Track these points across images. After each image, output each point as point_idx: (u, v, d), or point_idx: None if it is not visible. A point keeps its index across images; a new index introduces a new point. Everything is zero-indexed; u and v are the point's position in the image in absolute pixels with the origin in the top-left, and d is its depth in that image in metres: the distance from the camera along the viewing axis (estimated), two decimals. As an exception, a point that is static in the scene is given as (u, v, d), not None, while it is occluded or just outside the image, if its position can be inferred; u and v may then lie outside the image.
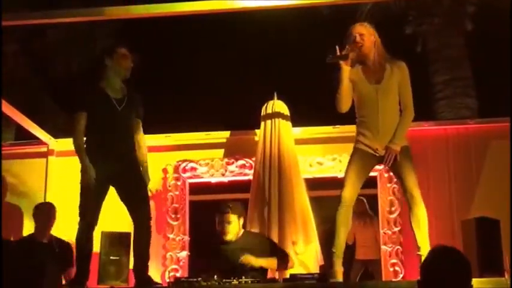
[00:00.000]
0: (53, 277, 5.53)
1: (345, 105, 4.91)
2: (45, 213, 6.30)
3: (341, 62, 4.85)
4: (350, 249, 7.55)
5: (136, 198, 5.15)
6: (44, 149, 7.90)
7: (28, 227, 7.24)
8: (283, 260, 5.62)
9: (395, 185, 7.12)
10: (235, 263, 5.24)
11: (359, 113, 4.98)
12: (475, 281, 2.85)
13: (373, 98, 4.86)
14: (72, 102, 5.25)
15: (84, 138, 5.16)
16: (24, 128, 7.61)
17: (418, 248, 4.85)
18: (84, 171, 5.05)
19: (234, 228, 5.56)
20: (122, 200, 5.24)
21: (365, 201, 7.93)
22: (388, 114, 4.89)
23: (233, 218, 5.56)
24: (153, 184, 7.49)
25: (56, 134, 8.14)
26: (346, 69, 4.85)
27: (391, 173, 5.09)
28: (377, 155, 4.89)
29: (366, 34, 4.88)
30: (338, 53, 4.85)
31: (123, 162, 5.13)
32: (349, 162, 4.96)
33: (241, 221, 5.69)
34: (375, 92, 4.85)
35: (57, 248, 6.17)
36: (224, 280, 4.68)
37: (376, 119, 4.86)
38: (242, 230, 5.70)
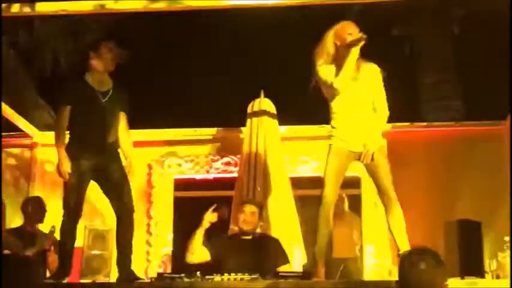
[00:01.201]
0: (37, 273, 5.52)
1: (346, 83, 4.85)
2: (33, 207, 6.27)
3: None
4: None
5: (118, 192, 5.14)
6: (28, 141, 7.87)
7: (11, 219, 7.21)
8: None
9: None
10: (252, 259, 5.21)
11: (333, 108, 4.94)
12: (456, 282, 2.88)
13: (349, 93, 4.85)
14: (56, 94, 5.24)
15: (68, 132, 5.15)
16: (9, 120, 7.57)
17: (398, 249, 4.85)
18: (60, 164, 5.03)
19: (254, 219, 5.51)
20: (104, 193, 5.22)
21: (345, 199, 7.92)
22: (364, 111, 4.89)
23: (255, 209, 5.54)
24: (138, 179, 7.48)
25: (41, 126, 8.12)
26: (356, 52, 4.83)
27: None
28: (353, 151, 4.87)
29: (353, 34, 4.88)
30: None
31: (105, 155, 5.11)
32: (328, 161, 4.93)
33: (261, 218, 5.69)
34: (350, 89, 4.85)
35: (42, 241, 6.13)
36: (207, 276, 4.68)
37: (351, 114, 4.86)
38: (259, 228, 5.68)
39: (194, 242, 5.39)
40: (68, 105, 5.11)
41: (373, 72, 4.97)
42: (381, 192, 4.90)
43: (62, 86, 5.30)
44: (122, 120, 5.30)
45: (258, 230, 5.66)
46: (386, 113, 4.97)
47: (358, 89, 4.86)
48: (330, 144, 4.92)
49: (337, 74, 4.82)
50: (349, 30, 4.87)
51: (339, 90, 4.82)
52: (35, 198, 6.61)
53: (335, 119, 4.94)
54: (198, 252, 5.38)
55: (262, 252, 5.34)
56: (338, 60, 4.89)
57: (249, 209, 5.50)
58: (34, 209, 6.26)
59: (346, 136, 4.86)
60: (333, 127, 4.94)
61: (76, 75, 5.31)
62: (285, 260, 5.48)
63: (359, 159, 4.92)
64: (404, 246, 4.76)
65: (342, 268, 7.84)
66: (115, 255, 5.30)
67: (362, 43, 4.77)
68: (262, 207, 5.77)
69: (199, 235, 5.38)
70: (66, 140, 5.12)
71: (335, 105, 4.92)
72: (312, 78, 4.97)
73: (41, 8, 5.64)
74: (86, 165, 5.05)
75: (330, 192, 4.84)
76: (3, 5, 5.54)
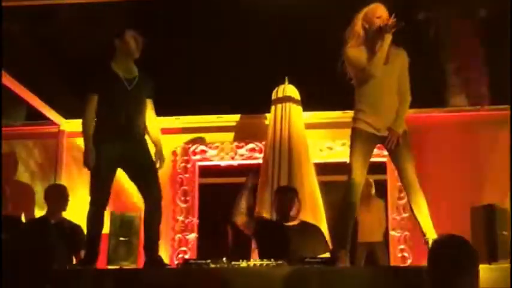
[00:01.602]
0: (62, 258, 5.59)
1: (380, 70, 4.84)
2: (56, 195, 6.31)
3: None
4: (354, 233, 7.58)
5: (146, 179, 5.16)
6: (55, 129, 7.93)
7: (40, 207, 7.30)
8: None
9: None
10: (296, 245, 5.25)
11: (361, 92, 4.93)
12: (483, 268, 2.86)
13: (379, 77, 4.83)
14: (83, 83, 5.27)
15: (95, 119, 5.18)
16: (35, 109, 7.63)
17: (424, 233, 4.82)
18: (86, 154, 5.07)
19: (296, 209, 5.65)
20: (132, 180, 5.25)
21: (372, 184, 7.91)
22: (391, 96, 4.88)
23: (296, 199, 5.68)
24: (164, 166, 7.54)
25: (67, 115, 8.17)
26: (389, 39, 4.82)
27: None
28: (378, 134, 4.85)
29: (383, 16, 4.86)
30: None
31: (132, 143, 5.14)
32: (352, 145, 4.91)
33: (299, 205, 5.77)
34: (381, 71, 4.83)
35: (67, 230, 6.19)
36: (233, 262, 4.70)
37: (380, 98, 4.85)
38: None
39: (242, 203, 5.54)
40: (95, 93, 5.13)
41: (401, 58, 4.97)
42: (403, 178, 4.88)
43: (88, 75, 5.33)
44: (149, 108, 5.32)
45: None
46: (409, 98, 4.97)
47: (386, 74, 4.85)
48: (355, 128, 4.90)
49: (368, 58, 4.82)
50: (378, 13, 4.86)
51: (372, 76, 4.81)
52: (57, 186, 6.65)
53: (361, 102, 4.92)
54: (244, 213, 5.50)
55: (305, 240, 5.38)
56: (367, 43, 4.88)
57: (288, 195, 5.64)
58: (57, 197, 6.30)
59: (372, 120, 4.84)
60: (358, 110, 4.92)
61: (102, 63, 5.33)
62: (326, 248, 5.49)
63: (383, 144, 4.91)
64: (430, 232, 4.74)
65: (368, 253, 7.87)
66: (142, 241, 5.33)
67: (394, 29, 4.75)
68: (296, 192, 5.82)
69: (245, 196, 5.48)
70: (93, 129, 5.15)
71: (362, 89, 4.91)
72: (339, 62, 4.96)
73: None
74: (113, 152, 5.07)
75: (357, 176, 4.83)
76: None
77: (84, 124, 5.14)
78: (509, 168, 6.81)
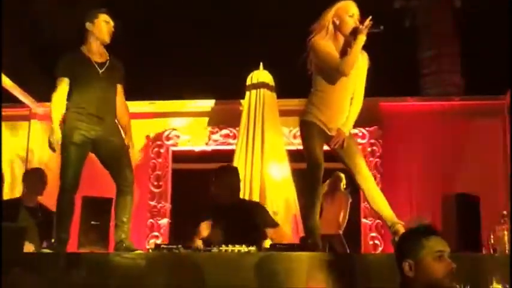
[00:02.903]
0: (33, 242, 5.54)
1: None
2: (34, 178, 6.25)
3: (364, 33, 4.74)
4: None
5: (118, 162, 5.13)
6: (26, 112, 7.86)
7: (8, 189, 7.24)
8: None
9: (377, 159, 7.15)
10: (236, 228, 5.10)
11: (320, 87, 4.87)
12: (453, 256, 2.88)
13: (339, 75, 4.79)
14: (55, 65, 5.22)
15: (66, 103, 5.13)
16: (7, 91, 7.54)
17: (389, 226, 4.72)
18: (51, 136, 5.03)
19: (235, 191, 5.36)
20: (103, 165, 5.21)
21: (342, 178, 7.91)
22: (347, 97, 4.85)
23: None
24: (136, 151, 7.49)
25: (39, 98, 8.10)
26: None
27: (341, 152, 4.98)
28: (328, 134, 4.83)
29: (354, 15, 4.81)
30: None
31: (103, 126, 5.10)
32: (309, 136, 4.84)
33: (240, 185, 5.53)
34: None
35: (42, 215, 6.13)
36: (204, 248, 4.69)
37: (337, 98, 4.81)
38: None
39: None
40: (65, 77, 5.09)
41: (362, 61, 4.90)
42: (358, 173, 4.84)
43: (60, 58, 5.27)
44: (120, 93, 5.29)
45: None
46: (361, 102, 4.91)
47: (352, 73, 4.79)
48: (306, 120, 4.84)
49: (341, 56, 4.77)
50: (351, 11, 4.80)
51: (343, 75, 4.75)
52: (35, 170, 6.59)
53: (318, 97, 4.86)
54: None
55: (247, 217, 5.25)
56: (335, 40, 4.84)
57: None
58: (34, 180, 6.23)
59: (325, 119, 4.80)
60: (313, 105, 4.87)
61: (73, 46, 5.29)
62: (273, 223, 5.36)
63: (328, 143, 4.87)
64: (394, 221, 4.71)
65: (328, 245, 7.90)
66: (112, 226, 5.30)
67: (369, 31, 4.71)
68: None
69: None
70: (63, 111, 5.10)
71: (322, 85, 4.86)
72: (306, 51, 4.91)
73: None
74: (84, 136, 5.04)
75: (319, 160, 4.77)
76: None
77: (53, 105, 5.10)
78: (508, 164, 6.83)
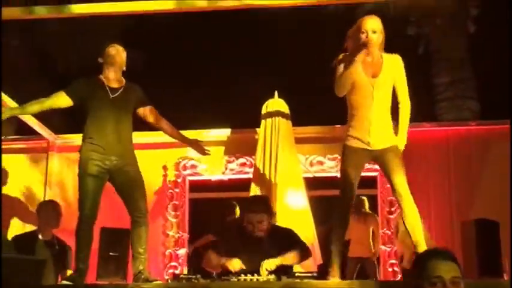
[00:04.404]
0: (50, 275, 5.55)
1: (346, 90, 4.78)
2: (48, 211, 6.26)
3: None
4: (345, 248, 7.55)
5: (133, 192, 5.13)
6: (44, 144, 7.91)
7: (27, 221, 7.27)
8: (305, 251, 5.37)
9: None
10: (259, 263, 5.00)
11: (351, 105, 4.88)
12: (474, 283, 2.85)
13: (369, 91, 4.79)
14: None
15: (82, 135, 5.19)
16: (25, 123, 7.61)
17: (414, 247, 4.75)
18: (81, 164, 5.05)
19: (265, 227, 5.09)
20: (118, 194, 5.22)
21: (365, 200, 7.94)
22: (382, 108, 4.83)
23: (264, 216, 5.10)
24: (153, 181, 7.52)
25: (57, 129, 8.16)
26: (360, 58, 4.74)
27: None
28: (369, 149, 4.81)
29: (378, 31, 4.79)
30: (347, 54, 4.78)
31: (118, 155, 5.10)
32: (343, 161, 4.88)
33: (273, 217, 5.32)
34: (370, 85, 4.79)
35: (57, 248, 6.14)
36: (223, 277, 4.68)
37: (369, 112, 4.79)
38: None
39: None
40: (68, 95, 5.15)
41: (394, 65, 4.87)
42: (395, 191, 4.83)
43: (74, 82, 5.32)
44: (151, 113, 5.34)
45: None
46: (409, 105, 4.88)
47: (376, 86, 4.78)
48: (344, 145, 4.86)
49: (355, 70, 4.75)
50: (363, 28, 4.80)
51: (359, 89, 4.76)
52: (49, 202, 6.60)
53: (350, 115, 4.87)
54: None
55: (277, 245, 5.19)
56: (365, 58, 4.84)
57: (256, 218, 5.09)
58: (48, 213, 6.24)
59: (360, 134, 4.79)
60: (348, 126, 4.88)
61: (90, 75, 5.35)
62: (304, 247, 5.18)
63: (374, 159, 4.88)
64: (421, 245, 4.69)
65: (359, 267, 7.86)
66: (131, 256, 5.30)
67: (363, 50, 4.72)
68: (270, 211, 5.29)
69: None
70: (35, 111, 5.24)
71: (350, 102, 4.87)
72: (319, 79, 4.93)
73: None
74: (100, 167, 5.05)
75: (347, 192, 4.80)
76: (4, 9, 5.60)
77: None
78: (504, 181, 6.79)
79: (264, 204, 5.26)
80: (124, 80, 5.29)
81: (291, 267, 5.04)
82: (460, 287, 2.73)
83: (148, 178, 5.67)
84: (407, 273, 4.08)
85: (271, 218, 5.21)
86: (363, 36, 4.75)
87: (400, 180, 4.75)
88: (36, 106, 5.21)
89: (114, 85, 5.22)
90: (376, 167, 5.05)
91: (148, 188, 5.38)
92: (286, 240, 5.17)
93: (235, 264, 4.83)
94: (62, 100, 5.17)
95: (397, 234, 7.00)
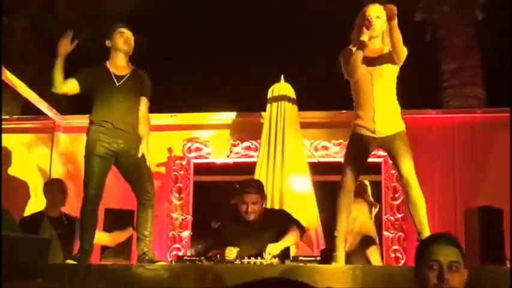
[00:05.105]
0: (56, 254, 5.58)
1: (356, 72, 4.79)
2: (55, 189, 6.29)
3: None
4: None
5: (139, 175, 5.16)
6: (50, 124, 7.93)
7: (34, 201, 7.30)
8: (301, 229, 5.42)
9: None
10: (259, 248, 5.05)
11: (354, 93, 4.92)
12: (476, 270, 2.86)
13: (368, 78, 4.81)
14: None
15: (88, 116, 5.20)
16: (31, 103, 7.63)
17: (418, 234, 4.77)
18: (88, 145, 5.09)
19: (258, 208, 5.23)
20: (124, 178, 5.25)
21: (368, 186, 7.91)
22: (385, 95, 4.84)
23: (257, 197, 5.24)
24: (158, 163, 7.55)
25: (63, 110, 8.18)
26: (365, 38, 4.77)
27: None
28: (375, 136, 4.82)
29: (381, 17, 4.82)
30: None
31: (125, 139, 5.14)
32: (347, 147, 4.93)
33: (264, 200, 5.44)
34: (369, 73, 4.82)
35: (65, 224, 6.16)
36: (227, 260, 4.71)
37: (371, 99, 4.81)
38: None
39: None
40: (77, 81, 5.17)
41: (390, 55, 4.88)
42: (401, 176, 4.84)
43: (82, 68, 5.35)
44: (142, 104, 5.32)
45: None
46: (404, 50, 4.81)
47: (381, 74, 4.80)
48: (351, 133, 4.89)
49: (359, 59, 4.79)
50: (368, 13, 4.83)
51: (351, 77, 4.81)
52: (55, 181, 6.63)
53: (356, 105, 4.91)
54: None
55: (274, 226, 5.23)
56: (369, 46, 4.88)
57: (249, 199, 5.22)
58: (54, 191, 6.27)
59: (365, 122, 4.81)
60: (355, 115, 4.91)
61: (99, 60, 5.37)
62: (299, 225, 5.35)
63: (381, 146, 4.91)
64: (425, 232, 4.70)
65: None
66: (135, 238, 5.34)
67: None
68: (263, 193, 5.43)
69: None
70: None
71: (354, 91, 4.90)
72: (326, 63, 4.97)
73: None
74: (107, 149, 5.08)
75: (349, 178, 4.82)
76: None
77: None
78: (508, 169, 6.79)
79: (258, 186, 5.37)
80: (131, 66, 5.31)
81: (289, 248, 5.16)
82: (459, 272, 2.73)
83: (153, 160, 5.71)
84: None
85: (263, 201, 5.30)
86: (367, 23, 4.78)
87: (407, 167, 4.77)
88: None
89: (121, 72, 5.25)
90: (381, 153, 5.07)
91: (153, 170, 5.40)
92: (281, 219, 5.27)
93: (231, 253, 4.87)
94: (71, 86, 5.20)
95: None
